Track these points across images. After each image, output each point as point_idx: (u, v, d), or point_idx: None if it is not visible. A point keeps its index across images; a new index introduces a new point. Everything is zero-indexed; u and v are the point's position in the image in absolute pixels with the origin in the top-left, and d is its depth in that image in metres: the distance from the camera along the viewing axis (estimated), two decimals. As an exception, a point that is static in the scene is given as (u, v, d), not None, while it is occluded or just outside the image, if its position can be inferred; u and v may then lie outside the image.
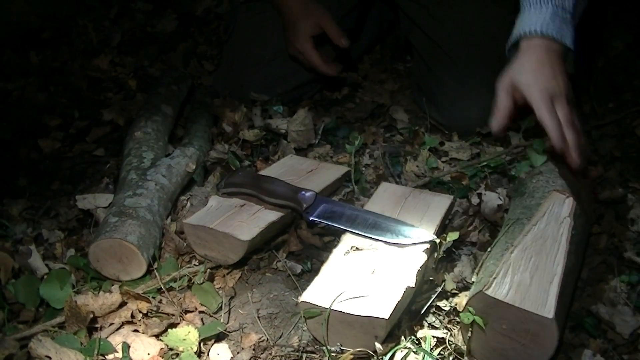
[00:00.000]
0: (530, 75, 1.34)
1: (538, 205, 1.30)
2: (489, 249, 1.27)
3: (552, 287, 1.11)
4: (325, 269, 1.26)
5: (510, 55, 1.45)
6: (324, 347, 1.17)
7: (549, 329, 1.07)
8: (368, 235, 1.34)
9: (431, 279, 1.31)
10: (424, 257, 1.28)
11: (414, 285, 1.21)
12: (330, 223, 1.39)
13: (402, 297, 1.17)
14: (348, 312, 1.14)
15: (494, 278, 1.12)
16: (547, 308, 1.07)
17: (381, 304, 1.15)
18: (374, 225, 1.35)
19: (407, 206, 1.45)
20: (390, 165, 1.69)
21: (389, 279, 1.22)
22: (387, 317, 1.13)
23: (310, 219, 1.40)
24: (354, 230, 1.35)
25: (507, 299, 1.08)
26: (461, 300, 1.27)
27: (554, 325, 1.07)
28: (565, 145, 1.31)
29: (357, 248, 1.31)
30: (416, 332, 1.21)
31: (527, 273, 1.14)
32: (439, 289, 1.30)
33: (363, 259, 1.28)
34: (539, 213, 1.27)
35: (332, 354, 1.16)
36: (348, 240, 1.34)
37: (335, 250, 1.32)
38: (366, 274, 1.24)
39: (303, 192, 1.42)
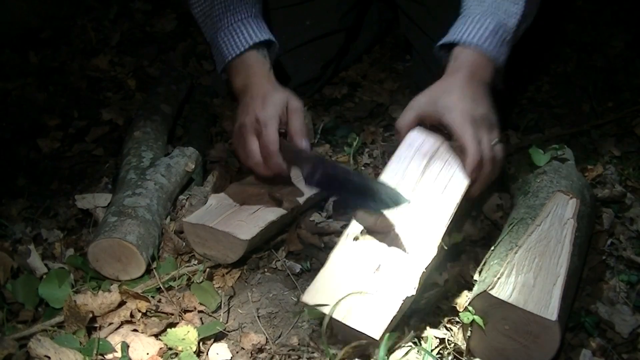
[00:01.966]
0: (451, 98, 1.30)
1: (542, 205, 1.30)
2: (492, 248, 1.27)
3: (555, 289, 1.11)
4: (332, 259, 1.23)
5: (437, 53, 1.43)
6: (324, 347, 1.17)
7: (551, 331, 1.07)
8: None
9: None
10: (431, 257, 1.22)
11: (414, 293, 1.18)
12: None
13: (398, 311, 1.15)
14: (344, 323, 1.14)
15: (498, 278, 1.12)
16: (550, 310, 1.07)
17: (376, 319, 1.14)
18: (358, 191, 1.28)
19: (431, 172, 1.34)
20: (390, 164, 1.69)
21: (391, 282, 1.18)
22: (377, 339, 1.12)
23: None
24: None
25: (511, 300, 1.08)
26: (461, 299, 1.27)
27: (557, 327, 1.07)
28: (477, 176, 1.29)
29: (367, 232, 1.26)
30: (416, 331, 1.21)
31: (530, 274, 1.14)
32: (439, 288, 1.30)
33: (370, 249, 1.23)
34: (542, 213, 1.27)
35: (332, 352, 1.16)
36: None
37: (346, 233, 1.26)
38: (370, 270, 1.20)
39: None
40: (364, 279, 1.19)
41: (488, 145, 1.29)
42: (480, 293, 1.10)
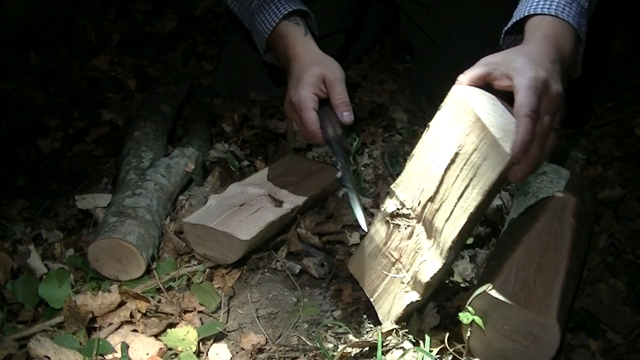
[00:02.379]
0: (525, 61, 1.12)
1: (542, 206, 1.29)
2: (491, 249, 1.26)
3: (555, 289, 1.11)
4: (369, 235, 1.27)
5: (505, 41, 1.31)
6: (321, 348, 1.17)
7: (551, 331, 1.07)
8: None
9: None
10: (436, 269, 1.17)
11: (419, 299, 1.19)
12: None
13: (402, 312, 1.20)
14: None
15: (498, 278, 1.12)
16: (550, 310, 1.07)
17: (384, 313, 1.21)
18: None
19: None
20: (390, 165, 1.69)
21: (402, 280, 1.21)
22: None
23: None
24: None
25: (511, 300, 1.08)
26: (462, 299, 1.27)
27: (556, 327, 1.07)
28: (522, 156, 1.06)
29: (398, 214, 1.22)
30: (415, 330, 1.21)
31: (530, 274, 1.13)
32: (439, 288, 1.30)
33: (395, 237, 1.22)
34: (542, 214, 1.27)
35: (331, 353, 1.16)
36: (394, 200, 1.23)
37: (382, 208, 1.24)
38: (390, 260, 1.23)
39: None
40: (384, 268, 1.24)
41: (546, 127, 1.11)
42: (480, 293, 1.10)
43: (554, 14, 1.20)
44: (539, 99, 1.09)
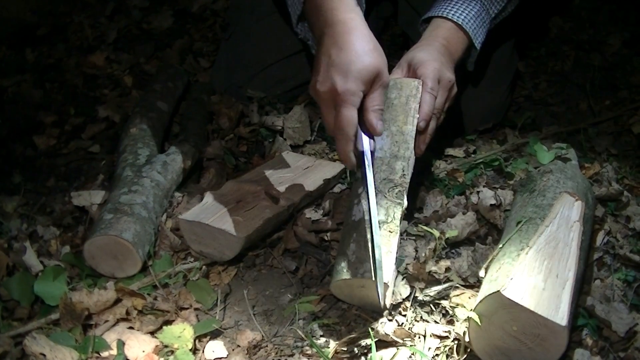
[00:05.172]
0: (428, 55, 1.40)
1: (550, 206, 1.28)
2: (500, 245, 1.25)
3: (564, 293, 1.10)
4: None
5: (422, 26, 1.54)
6: (314, 347, 1.17)
7: (559, 335, 1.07)
8: None
9: (432, 269, 1.31)
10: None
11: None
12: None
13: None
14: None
15: (511, 279, 1.11)
16: (560, 315, 1.06)
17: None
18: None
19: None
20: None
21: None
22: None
23: None
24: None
25: (523, 302, 1.07)
26: (459, 296, 1.26)
27: (566, 332, 1.06)
28: (424, 129, 1.37)
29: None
30: (414, 327, 1.21)
31: (540, 276, 1.12)
32: (439, 286, 1.30)
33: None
34: (551, 215, 1.25)
35: (323, 350, 1.16)
36: None
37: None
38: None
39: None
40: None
41: (440, 106, 1.41)
42: (494, 293, 1.09)
43: (455, 20, 1.46)
44: (437, 82, 1.38)
